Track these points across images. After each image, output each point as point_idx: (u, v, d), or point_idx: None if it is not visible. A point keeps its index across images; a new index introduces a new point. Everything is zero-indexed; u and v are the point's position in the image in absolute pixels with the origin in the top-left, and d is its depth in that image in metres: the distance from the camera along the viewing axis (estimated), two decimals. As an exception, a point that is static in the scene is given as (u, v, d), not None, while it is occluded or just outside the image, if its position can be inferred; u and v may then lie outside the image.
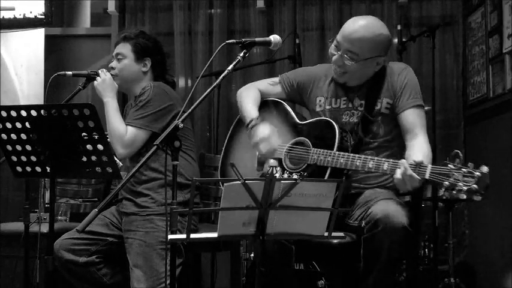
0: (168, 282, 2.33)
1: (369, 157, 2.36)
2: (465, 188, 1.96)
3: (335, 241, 2.47)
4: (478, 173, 1.96)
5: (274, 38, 2.48)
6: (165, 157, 2.16)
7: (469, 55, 4.45)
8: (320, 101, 2.71)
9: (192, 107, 2.18)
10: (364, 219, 2.33)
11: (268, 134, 2.54)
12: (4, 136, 2.40)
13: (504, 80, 3.83)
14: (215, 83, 2.29)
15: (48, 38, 4.81)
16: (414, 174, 2.12)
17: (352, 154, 2.39)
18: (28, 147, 2.41)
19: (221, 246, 3.11)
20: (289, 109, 2.74)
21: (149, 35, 3.04)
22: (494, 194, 3.92)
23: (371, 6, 4.63)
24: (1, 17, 4.67)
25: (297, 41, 3.98)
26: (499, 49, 3.90)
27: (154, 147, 2.06)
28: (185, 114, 2.15)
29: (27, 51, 4.80)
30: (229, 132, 2.87)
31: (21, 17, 4.68)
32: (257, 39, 2.41)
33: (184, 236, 1.93)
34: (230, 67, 2.29)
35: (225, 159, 2.81)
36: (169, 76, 3.08)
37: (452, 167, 2.01)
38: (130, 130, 2.79)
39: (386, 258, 2.26)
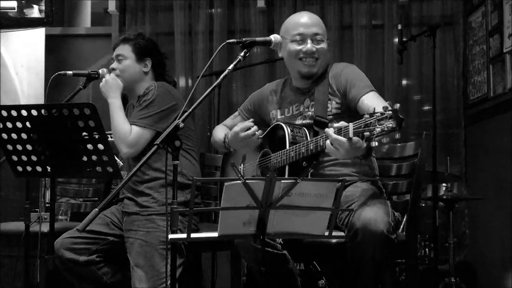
0: (169, 282, 2.33)
1: (309, 140, 2.38)
2: (379, 129, 1.95)
3: (333, 241, 2.46)
4: (388, 112, 1.95)
5: (275, 37, 2.48)
6: (165, 157, 2.16)
7: (470, 55, 4.45)
8: (273, 113, 2.77)
9: (193, 107, 2.18)
10: (345, 226, 2.34)
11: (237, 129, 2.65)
12: (5, 136, 2.41)
13: (505, 79, 3.83)
14: (215, 83, 2.28)
15: (48, 38, 4.80)
16: (339, 137, 2.10)
17: (299, 144, 2.40)
18: (29, 147, 2.41)
19: (221, 245, 3.10)
20: None
21: (147, 37, 3.07)
22: (495, 194, 3.93)
23: (372, 5, 4.62)
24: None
25: (298, 41, 3.97)
26: (500, 49, 3.90)
27: (155, 147, 2.06)
28: (186, 114, 2.15)
29: (27, 51, 4.80)
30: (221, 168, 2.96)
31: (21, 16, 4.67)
32: (258, 38, 2.41)
33: (184, 235, 1.93)
34: (231, 67, 2.29)
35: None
36: (169, 76, 3.09)
37: (367, 116, 2.00)
38: (135, 129, 2.80)
39: (370, 265, 2.27)
